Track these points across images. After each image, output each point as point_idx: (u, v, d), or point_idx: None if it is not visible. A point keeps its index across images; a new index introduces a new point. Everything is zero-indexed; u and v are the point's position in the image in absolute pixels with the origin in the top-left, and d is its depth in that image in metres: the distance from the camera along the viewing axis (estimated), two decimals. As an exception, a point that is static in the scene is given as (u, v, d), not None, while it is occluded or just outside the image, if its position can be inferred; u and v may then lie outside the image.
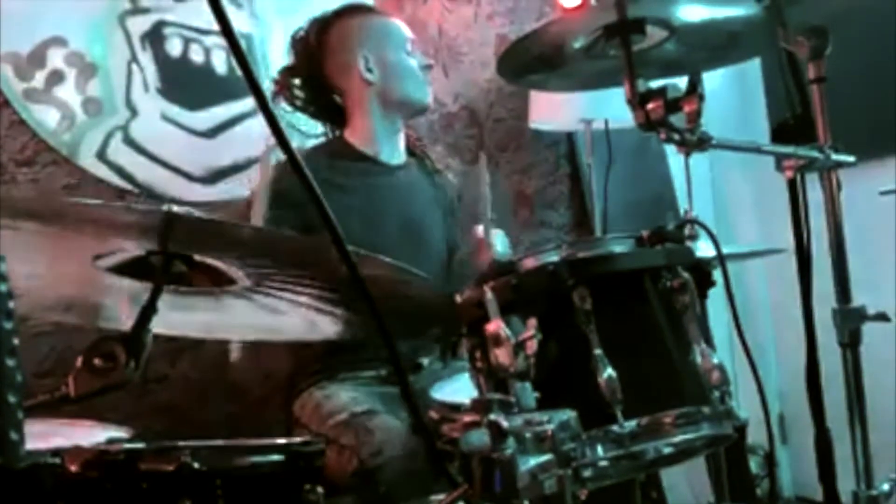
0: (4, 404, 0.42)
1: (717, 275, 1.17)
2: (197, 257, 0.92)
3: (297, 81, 1.88)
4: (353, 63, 1.82)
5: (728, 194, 2.90)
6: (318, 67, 1.87)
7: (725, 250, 1.16)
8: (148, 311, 0.89)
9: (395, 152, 1.90)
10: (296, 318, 1.20)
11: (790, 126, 1.45)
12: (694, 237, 1.22)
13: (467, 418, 0.90)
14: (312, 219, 1.73)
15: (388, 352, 0.74)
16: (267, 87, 1.92)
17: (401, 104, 1.86)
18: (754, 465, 2.27)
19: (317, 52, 1.86)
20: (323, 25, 1.87)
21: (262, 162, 1.82)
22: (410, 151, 1.96)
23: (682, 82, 1.15)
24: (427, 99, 1.88)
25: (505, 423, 0.79)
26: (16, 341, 0.44)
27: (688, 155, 1.07)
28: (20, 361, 0.44)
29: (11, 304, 0.44)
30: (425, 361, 1.82)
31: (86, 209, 0.92)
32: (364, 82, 1.83)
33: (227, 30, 0.60)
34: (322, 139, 1.96)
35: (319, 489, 0.96)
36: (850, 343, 1.32)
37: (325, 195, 1.84)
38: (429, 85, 1.88)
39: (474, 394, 1.08)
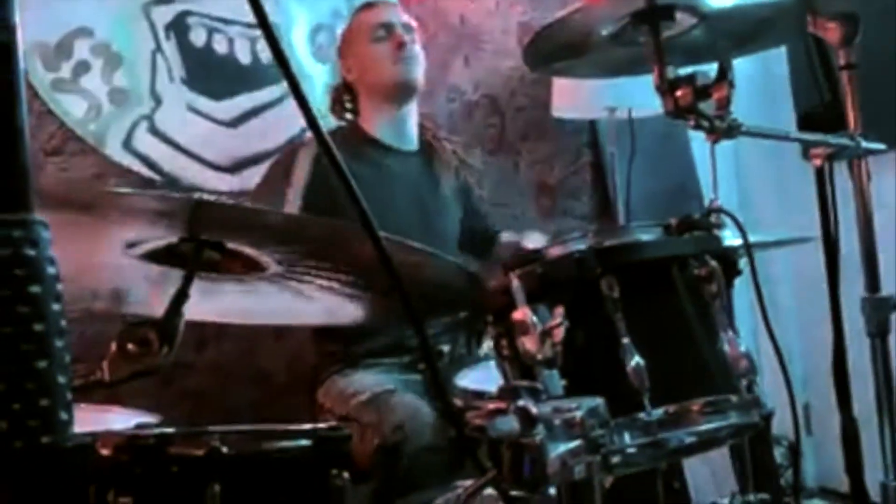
0: (54, 384, 0.43)
1: (741, 264, 1.16)
2: (229, 245, 0.93)
3: (346, 95, 1.98)
4: (342, 70, 1.98)
5: (752, 183, 2.88)
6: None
7: (751, 239, 1.15)
8: (180, 297, 0.90)
9: (401, 137, 1.93)
10: (320, 303, 1.20)
11: (818, 114, 1.43)
12: (719, 226, 1.21)
13: (492, 406, 0.91)
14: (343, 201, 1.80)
15: (417, 335, 0.74)
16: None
17: (381, 90, 1.90)
18: (778, 455, 2.26)
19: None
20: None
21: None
22: (423, 142, 1.98)
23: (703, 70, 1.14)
24: (398, 79, 1.89)
25: (534, 409, 0.80)
26: (63, 323, 0.45)
27: (716, 142, 1.06)
28: (69, 343, 0.45)
29: (60, 287, 0.45)
30: (445, 349, 1.83)
31: (116, 198, 0.92)
32: (353, 84, 1.95)
33: (260, 15, 0.60)
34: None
35: (346, 475, 0.97)
36: (879, 333, 1.31)
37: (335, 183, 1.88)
38: (405, 62, 1.89)
39: (499, 382, 1.08)
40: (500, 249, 2.00)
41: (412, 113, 1.95)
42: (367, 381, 1.73)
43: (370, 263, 0.86)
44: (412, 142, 1.96)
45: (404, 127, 1.94)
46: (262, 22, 0.60)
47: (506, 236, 2.04)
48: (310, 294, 1.11)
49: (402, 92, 1.90)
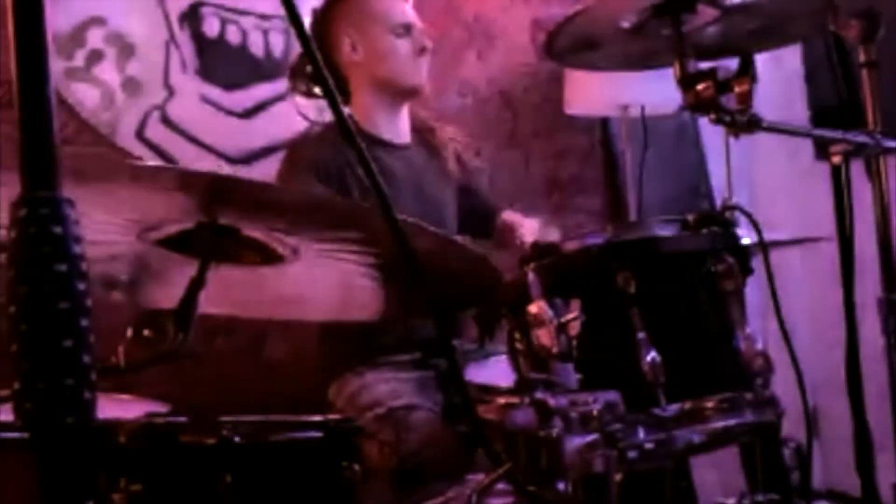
0: (79, 364, 0.43)
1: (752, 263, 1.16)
2: (245, 232, 0.93)
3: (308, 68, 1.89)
4: (341, 44, 1.85)
5: (763, 182, 2.86)
6: (322, 51, 1.90)
7: (764, 238, 1.14)
8: (196, 285, 0.89)
9: (396, 131, 1.90)
10: (331, 293, 1.20)
11: (833, 112, 1.42)
12: (734, 223, 1.21)
13: (502, 400, 0.90)
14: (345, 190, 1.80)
15: (434, 321, 0.74)
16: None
17: (387, 84, 1.85)
18: (785, 457, 2.24)
19: (318, 36, 1.89)
20: (324, 7, 1.91)
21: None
22: (418, 134, 1.95)
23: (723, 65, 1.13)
24: (414, 81, 1.86)
25: (552, 402, 0.79)
26: (88, 302, 0.45)
27: (737, 137, 1.06)
28: (94, 323, 0.45)
29: (85, 266, 0.45)
30: (455, 343, 1.82)
31: (136, 169, 0.92)
32: (351, 64, 1.85)
33: (290, 9, 0.60)
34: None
35: (356, 466, 0.97)
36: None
37: (341, 176, 1.89)
38: (420, 66, 1.86)
39: (509, 377, 1.08)
40: (499, 227, 1.97)
41: (406, 107, 1.93)
42: (381, 389, 1.70)
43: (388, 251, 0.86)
44: (406, 135, 1.93)
45: (401, 122, 1.91)
46: (293, 16, 0.59)
47: (507, 214, 2.01)
48: (324, 282, 1.11)
49: (413, 94, 1.89)
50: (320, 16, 1.90)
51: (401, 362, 1.79)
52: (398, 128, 1.90)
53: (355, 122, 1.87)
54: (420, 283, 0.73)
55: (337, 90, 2.05)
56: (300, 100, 1.92)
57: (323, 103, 1.93)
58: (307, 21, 1.93)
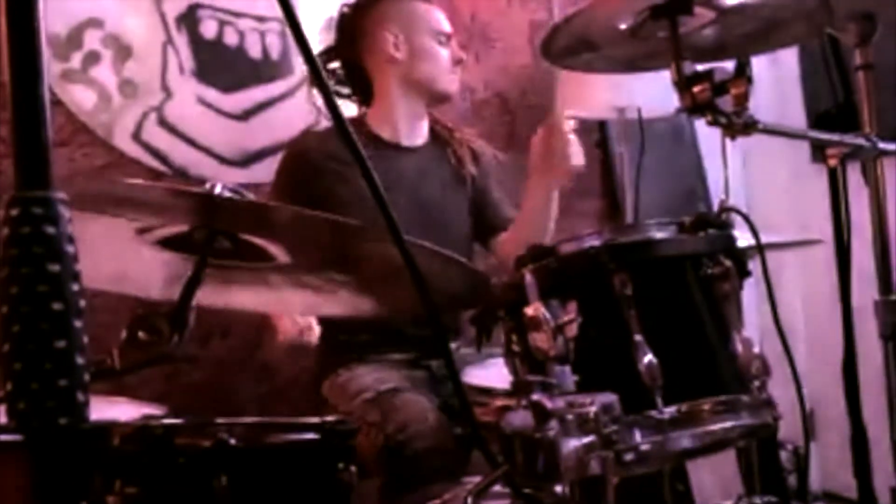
0: (72, 365, 0.43)
1: (749, 265, 1.16)
2: (242, 235, 0.93)
3: (333, 64, 1.93)
4: (383, 40, 1.86)
5: (760, 185, 2.87)
6: (352, 47, 1.92)
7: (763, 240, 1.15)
8: (192, 284, 0.89)
9: (414, 135, 1.91)
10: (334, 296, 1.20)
11: (831, 115, 1.42)
12: (730, 225, 1.21)
13: (499, 402, 0.90)
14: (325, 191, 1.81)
15: (433, 330, 0.74)
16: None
17: (422, 87, 1.88)
18: (782, 459, 2.24)
19: (352, 32, 1.92)
20: (362, 6, 1.93)
21: None
22: (435, 135, 1.96)
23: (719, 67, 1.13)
24: (450, 88, 1.90)
25: (549, 404, 0.79)
26: (82, 303, 0.44)
27: (734, 139, 1.06)
28: (86, 324, 0.44)
29: (78, 267, 0.45)
30: (452, 346, 1.82)
31: (126, 189, 0.92)
32: (389, 61, 1.86)
33: (287, 10, 0.60)
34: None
35: (353, 468, 0.97)
36: (893, 335, 1.30)
37: (337, 174, 1.90)
38: (455, 76, 1.91)
39: (505, 379, 1.08)
40: (501, 243, 1.98)
41: (424, 111, 1.95)
42: (371, 378, 1.72)
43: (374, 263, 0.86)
44: (422, 138, 1.94)
45: (421, 125, 1.93)
46: (290, 16, 0.59)
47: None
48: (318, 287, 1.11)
49: (443, 100, 1.93)
50: (358, 11, 1.92)
51: (394, 361, 1.79)
52: (416, 131, 1.92)
53: (365, 124, 1.88)
54: (420, 289, 0.73)
55: (360, 89, 2.08)
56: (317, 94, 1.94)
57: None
58: (336, 14, 1.96)
